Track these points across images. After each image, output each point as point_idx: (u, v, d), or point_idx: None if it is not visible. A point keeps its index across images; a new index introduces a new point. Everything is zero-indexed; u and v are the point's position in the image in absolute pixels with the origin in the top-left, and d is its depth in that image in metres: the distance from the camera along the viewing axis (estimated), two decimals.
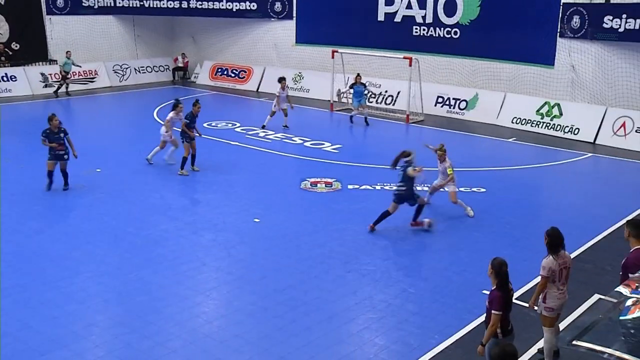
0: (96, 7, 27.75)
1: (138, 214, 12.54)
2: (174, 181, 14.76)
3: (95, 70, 27.31)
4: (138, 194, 13.77)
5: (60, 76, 25.49)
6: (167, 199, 13.56)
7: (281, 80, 20.11)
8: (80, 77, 26.81)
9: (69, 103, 24.43)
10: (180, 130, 15.15)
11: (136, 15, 28.68)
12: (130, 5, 28.26)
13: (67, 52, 25.60)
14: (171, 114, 15.45)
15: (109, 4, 28.05)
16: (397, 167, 11.80)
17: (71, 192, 13.69)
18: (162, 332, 8.33)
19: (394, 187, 12.00)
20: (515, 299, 7.51)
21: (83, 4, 27.35)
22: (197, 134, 15.31)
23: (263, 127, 19.85)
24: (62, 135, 13.48)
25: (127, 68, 28.47)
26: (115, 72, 28.06)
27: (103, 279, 9.81)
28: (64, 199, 13.29)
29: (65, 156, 13.55)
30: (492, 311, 6.72)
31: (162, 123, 15.97)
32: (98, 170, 15.30)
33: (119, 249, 10.91)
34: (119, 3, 28.13)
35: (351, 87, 21.26)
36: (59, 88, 25.48)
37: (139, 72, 28.84)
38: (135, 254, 10.68)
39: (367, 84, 22.00)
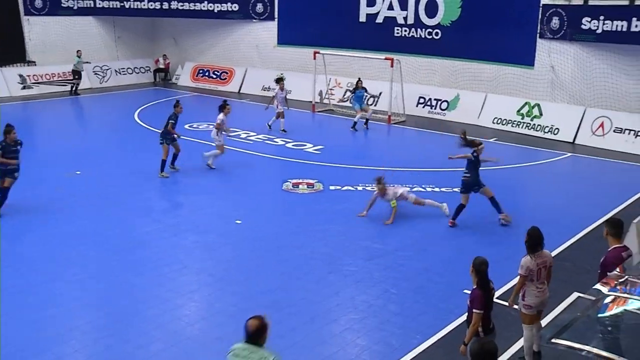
0: (75, 8, 27.55)
1: (119, 217, 12.43)
2: (156, 183, 14.67)
3: None
4: (119, 196, 13.66)
5: (74, 75, 25.92)
6: (148, 201, 13.48)
7: (279, 80, 19.98)
8: (60, 78, 26.59)
9: (51, 105, 24.20)
10: (162, 131, 15.05)
11: (116, 16, 28.49)
12: (111, 6, 28.09)
13: (77, 51, 25.94)
14: (220, 116, 15.46)
15: (88, 5, 27.87)
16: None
17: (51, 195, 13.54)
18: (143, 335, 8.28)
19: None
20: (496, 298, 7.54)
21: (62, 5, 27.15)
22: (177, 136, 15.27)
23: (284, 131, 19.69)
24: (18, 148, 12.26)
25: (107, 69, 28.26)
26: (96, 74, 27.83)
27: (83, 282, 9.71)
28: (43, 202, 13.09)
29: (16, 173, 12.25)
30: (473, 310, 6.77)
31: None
32: (78, 172, 15.17)
33: (100, 252, 10.80)
34: (99, 4, 27.97)
35: (353, 91, 21.16)
36: (77, 87, 25.94)
37: (120, 73, 28.64)
38: (117, 257, 10.58)
39: (367, 88, 21.62)
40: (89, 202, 13.22)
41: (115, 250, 10.86)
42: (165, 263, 10.39)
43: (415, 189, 14.26)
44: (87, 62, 26.58)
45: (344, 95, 23.87)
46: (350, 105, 21.72)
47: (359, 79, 21.15)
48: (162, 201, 13.91)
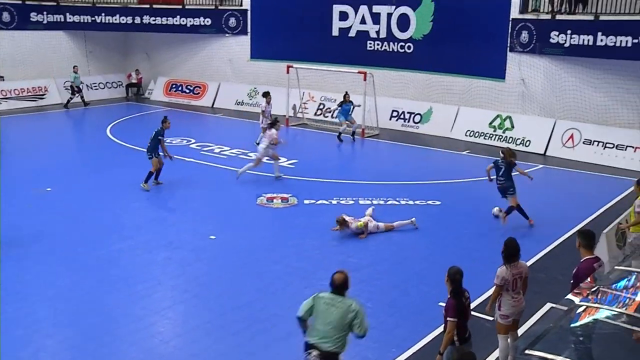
0: (45, 22, 26.98)
1: (91, 234, 12.23)
2: (128, 199, 14.49)
3: (45, 87, 26.64)
4: (91, 213, 13.46)
5: (72, 90, 26.24)
6: (121, 218, 13.28)
7: (266, 94, 19.81)
8: (29, 93, 26.23)
9: (21, 121, 23.83)
10: (149, 146, 15.15)
11: (87, 31, 28.15)
12: (81, 20, 27.63)
13: (74, 67, 26.15)
14: (273, 131, 16.06)
15: (58, 20, 27.32)
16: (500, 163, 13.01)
17: (20, 212, 13.29)
18: (116, 354, 8.15)
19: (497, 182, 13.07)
20: (471, 310, 7.57)
21: (31, 20, 26.58)
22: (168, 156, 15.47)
23: (258, 144, 19.39)
24: None
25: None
26: (67, 89, 27.32)
27: (53, 302, 9.53)
28: (12, 220, 12.74)
29: None
30: (448, 318, 6.88)
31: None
32: (49, 189, 14.95)
33: (71, 270, 10.62)
34: (70, 19, 27.45)
35: (340, 105, 21.28)
36: (69, 101, 26.23)
37: (92, 88, 28.20)
38: (88, 275, 10.41)
39: (353, 102, 21.55)
40: (60, 219, 13.00)
41: (86, 268, 10.67)
42: (138, 280, 10.25)
43: (389, 202, 14.36)
44: (81, 82, 26.83)
45: (325, 106, 23.95)
46: (335, 119, 21.91)
47: (347, 92, 21.24)
48: (134, 217, 13.67)
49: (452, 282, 6.96)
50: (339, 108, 21.31)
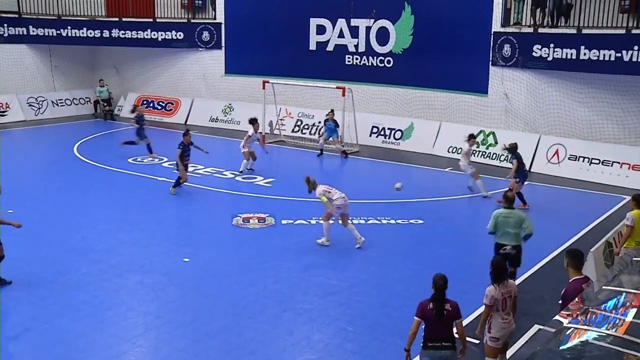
0: (6, 35, 25.88)
1: (57, 257, 11.68)
2: (97, 221, 13.85)
3: (6, 103, 25.61)
4: (57, 235, 12.91)
5: (104, 104, 27.27)
6: (89, 240, 12.69)
7: (254, 122, 18.66)
8: None
9: None
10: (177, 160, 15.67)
11: (52, 44, 27.20)
12: (46, 34, 26.59)
13: (100, 81, 26.87)
14: (467, 146, 16.40)
15: (21, 33, 26.23)
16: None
17: None
18: None
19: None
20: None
21: None
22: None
23: (241, 172, 18.21)
24: None
25: (43, 101, 26.81)
26: (30, 105, 26.37)
27: (14, 331, 9.01)
28: None
29: None
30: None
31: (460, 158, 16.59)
32: (10, 211, 14.20)
33: (34, 296, 10.06)
34: (33, 31, 26.42)
35: (325, 122, 21.08)
36: (108, 112, 27.17)
37: (57, 105, 27.23)
38: (53, 301, 9.90)
39: (337, 121, 21.06)
40: (22, 242, 12.17)
41: (51, 294, 10.15)
42: (107, 306, 9.82)
43: (370, 222, 14.08)
44: (109, 93, 27.54)
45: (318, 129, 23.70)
46: (320, 135, 21.77)
47: (332, 110, 20.94)
48: (104, 239, 12.98)
49: (433, 286, 7.15)
50: (325, 125, 21.20)
